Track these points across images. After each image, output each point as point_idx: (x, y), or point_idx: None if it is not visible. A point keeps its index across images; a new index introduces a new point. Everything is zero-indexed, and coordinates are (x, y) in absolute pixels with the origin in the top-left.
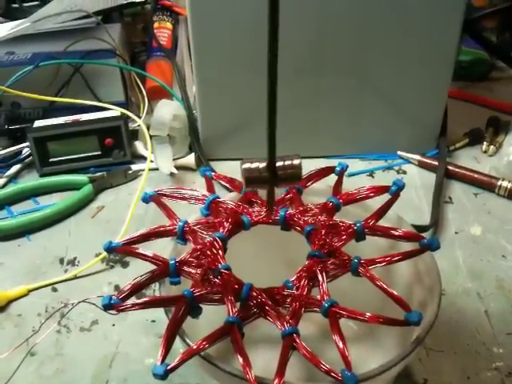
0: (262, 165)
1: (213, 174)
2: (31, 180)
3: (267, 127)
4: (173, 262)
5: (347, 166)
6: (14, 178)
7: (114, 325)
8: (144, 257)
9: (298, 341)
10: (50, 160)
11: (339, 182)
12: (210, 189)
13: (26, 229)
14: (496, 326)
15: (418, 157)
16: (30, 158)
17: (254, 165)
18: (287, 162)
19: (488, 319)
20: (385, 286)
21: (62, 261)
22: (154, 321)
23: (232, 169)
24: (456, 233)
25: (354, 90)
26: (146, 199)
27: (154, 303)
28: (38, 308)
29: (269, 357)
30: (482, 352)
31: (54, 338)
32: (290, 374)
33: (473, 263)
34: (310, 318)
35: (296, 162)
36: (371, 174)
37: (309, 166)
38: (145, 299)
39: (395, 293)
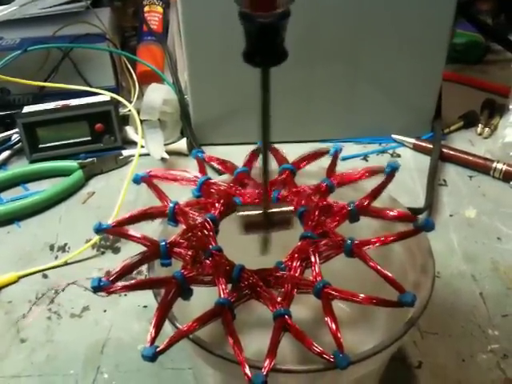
0: (257, 212)
1: (204, 155)
2: (21, 166)
3: (262, 181)
4: (163, 243)
5: (341, 148)
6: (3, 165)
7: (105, 311)
8: (134, 238)
9: (289, 322)
10: (40, 146)
11: (333, 164)
12: (202, 171)
13: (16, 215)
14: (491, 308)
15: (412, 140)
16: (20, 144)
17: (250, 212)
18: (279, 209)
19: (483, 301)
20: (379, 267)
21: (52, 247)
22: (145, 306)
23: (224, 154)
24: (451, 215)
25: (347, 74)
26: (137, 180)
27: (143, 285)
28: (28, 295)
29: (264, 340)
30: (477, 334)
31: (45, 325)
32: (283, 356)
33: (468, 246)
34: (304, 302)
35: (287, 208)
36: (365, 157)
37: (303, 151)
38: (134, 281)
39: (389, 274)
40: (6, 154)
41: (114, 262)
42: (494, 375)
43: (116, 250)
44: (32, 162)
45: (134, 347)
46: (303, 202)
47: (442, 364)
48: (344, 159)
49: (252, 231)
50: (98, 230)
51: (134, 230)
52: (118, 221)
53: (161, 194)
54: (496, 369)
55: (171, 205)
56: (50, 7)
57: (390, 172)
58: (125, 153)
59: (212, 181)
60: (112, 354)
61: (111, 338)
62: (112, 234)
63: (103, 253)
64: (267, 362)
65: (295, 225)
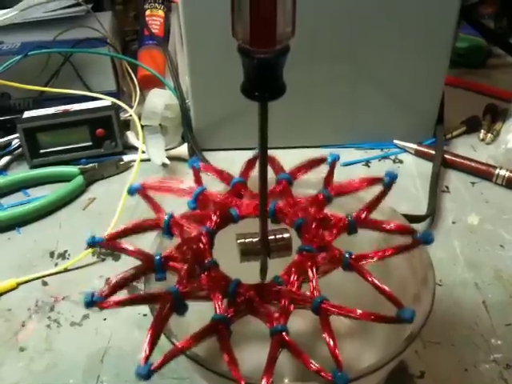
0: (255, 239)
1: (201, 164)
2: (21, 172)
3: (259, 208)
4: (158, 257)
5: (339, 157)
6: (3, 170)
7: (105, 319)
8: (128, 252)
9: (286, 339)
10: (41, 151)
11: (331, 173)
12: (198, 181)
13: (16, 221)
14: (494, 317)
15: (414, 146)
16: (20, 149)
17: (248, 239)
18: (278, 236)
19: (486, 310)
20: (376, 282)
21: (52, 254)
22: (145, 314)
23: (225, 159)
24: (453, 223)
25: (349, 78)
26: (132, 192)
27: (137, 300)
28: (27, 302)
29: (262, 353)
30: (480, 344)
31: (44, 333)
32: (282, 372)
33: (470, 253)
34: (303, 314)
35: (286, 235)
36: (367, 163)
37: (303, 156)
38: (128, 296)
39: (387, 289)
40: (7, 159)
41: (114, 269)
42: None
43: (117, 257)
44: (32, 167)
45: (134, 356)
46: (300, 213)
47: (444, 374)
48: (345, 165)
49: (250, 259)
50: (92, 243)
51: (128, 243)
52: (111, 234)
53: (156, 206)
54: (499, 379)
55: (166, 217)
56: (51, 11)
57: (389, 182)
58: (126, 158)
59: (207, 192)
60: (112, 363)
61: (111, 346)
62: (106, 248)
63: (103, 260)
64: (264, 380)
65: (295, 240)
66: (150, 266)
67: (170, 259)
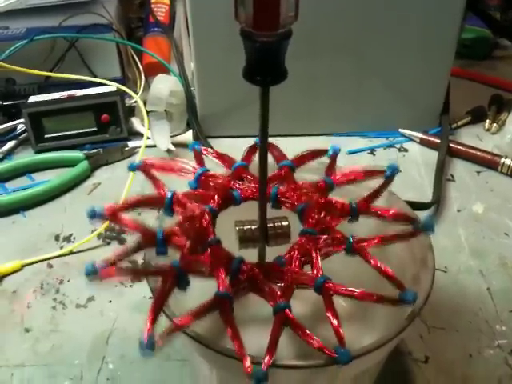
0: (254, 227)
1: (201, 147)
2: (26, 156)
3: (259, 195)
4: (160, 232)
5: (340, 149)
6: (8, 155)
7: (110, 301)
8: (129, 225)
9: (290, 316)
10: (46, 136)
11: (332, 165)
12: (200, 163)
13: (21, 205)
14: (499, 303)
15: (419, 134)
16: (25, 134)
17: (247, 227)
18: (277, 224)
19: (491, 297)
20: (379, 265)
21: (57, 237)
22: (151, 297)
23: (230, 146)
24: (458, 211)
25: (355, 67)
26: (133, 168)
27: (140, 272)
28: (33, 284)
29: (262, 338)
30: (485, 330)
31: (50, 315)
32: (278, 351)
33: (475, 241)
34: (301, 297)
35: (284, 223)
36: (372, 151)
37: (308, 144)
38: (131, 267)
39: (390, 271)
40: (12, 143)
41: None
42: (501, 371)
43: (122, 241)
44: (37, 152)
45: (139, 338)
46: (303, 198)
47: (448, 359)
48: (350, 153)
49: (249, 246)
50: (92, 215)
51: (131, 219)
52: (113, 208)
53: (158, 183)
54: (503, 364)
55: (169, 194)
56: None
57: (391, 175)
58: (131, 144)
59: (210, 173)
60: (117, 345)
61: (116, 328)
62: (107, 220)
63: (109, 243)
64: (267, 358)
65: (297, 225)
66: (152, 240)
67: (171, 235)
